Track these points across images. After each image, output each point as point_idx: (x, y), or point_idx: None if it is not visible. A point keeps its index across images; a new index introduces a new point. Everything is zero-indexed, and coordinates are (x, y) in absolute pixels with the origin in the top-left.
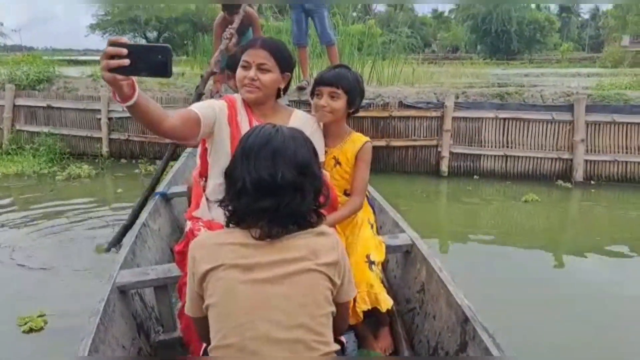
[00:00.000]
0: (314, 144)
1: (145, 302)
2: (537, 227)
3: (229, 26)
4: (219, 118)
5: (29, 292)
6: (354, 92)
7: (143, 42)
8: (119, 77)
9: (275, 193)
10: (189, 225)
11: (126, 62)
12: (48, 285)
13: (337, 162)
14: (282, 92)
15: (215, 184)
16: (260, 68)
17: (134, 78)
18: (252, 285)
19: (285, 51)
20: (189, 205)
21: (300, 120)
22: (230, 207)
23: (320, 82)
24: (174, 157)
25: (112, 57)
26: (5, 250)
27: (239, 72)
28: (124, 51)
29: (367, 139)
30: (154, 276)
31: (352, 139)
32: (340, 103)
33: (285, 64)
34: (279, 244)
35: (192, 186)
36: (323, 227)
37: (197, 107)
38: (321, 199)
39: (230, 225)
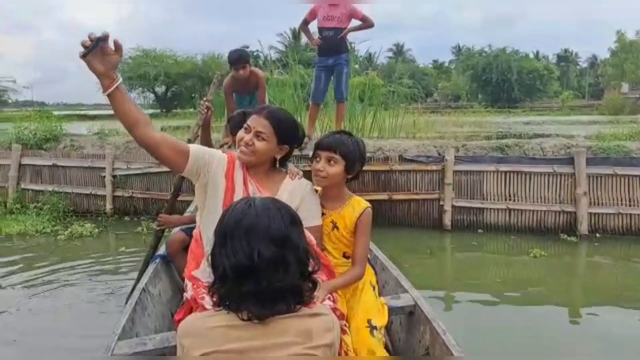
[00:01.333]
0: (305, 207)
1: None
2: (544, 283)
3: (204, 98)
4: (216, 168)
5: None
6: (352, 158)
7: (152, 96)
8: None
9: (256, 274)
10: (189, 287)
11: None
12: (45, 353)
13: (335, 226)
14: (277, 162)
15: (209, 238)
16: (258, 135)
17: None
18: None
19: (288, 125)
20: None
21: (291, 185)
22: (216, 293)
23: (319, 146)
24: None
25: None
26: (4, 315)
27: (240, 132)
28: (88, 42)
29: (367, 204)
30: (151, 347)
31: (351, 203)
32: (337, 168)
33: (284, 136)
34: (272, 325)
35: (174, 241)
36: (319, 307)
37: (196, 146)
38: (311, 265)
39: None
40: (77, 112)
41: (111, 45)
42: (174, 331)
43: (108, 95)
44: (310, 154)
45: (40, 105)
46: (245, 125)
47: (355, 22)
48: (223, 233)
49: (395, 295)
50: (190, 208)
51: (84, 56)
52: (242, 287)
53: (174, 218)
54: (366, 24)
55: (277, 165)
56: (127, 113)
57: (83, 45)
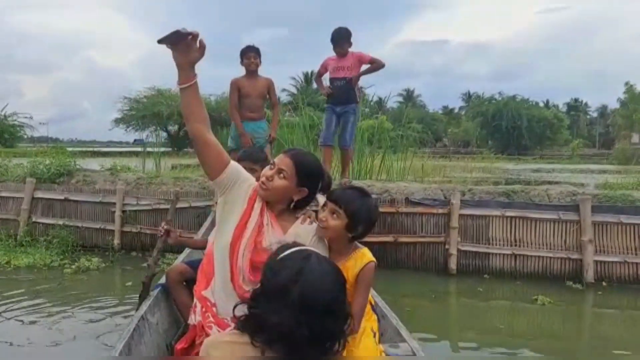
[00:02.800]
0: None
1: None
2: (550, 331)
3: (164, 219)
4: (245, 190)
5: None
6: (357, 217)
7: (164, 135)
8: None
9: (298, 341)
10: (197, 308)
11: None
12: None
13: None
14: (292, 204)
15: (219, 255)
16: (279, 172)
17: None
18: None
19: (310, 169)
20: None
21: (299, 229)
22: (262, 316)
23: (329, 195)
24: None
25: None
26: (4, 346)
27: (266, 168)
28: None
29: (371, 259)
30: None
31: (355, 256)
32: (337, 222)
33: (305, 179)
34: None
35: (173, 271)
36: None
37: (235, 163)
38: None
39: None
40: (91, 149)
41: (197, 45)
42: None
43: (182, 89)
44: None
45: (55, 142)
46: (271, 162)
47: (364, 67)
48: (278, 288)
49: (394, 344)
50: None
51: (160, 41)
52: (300, 324)
53: (181, 238)
54: (375, 65)
55: (294, 207)
56: (194, 109)
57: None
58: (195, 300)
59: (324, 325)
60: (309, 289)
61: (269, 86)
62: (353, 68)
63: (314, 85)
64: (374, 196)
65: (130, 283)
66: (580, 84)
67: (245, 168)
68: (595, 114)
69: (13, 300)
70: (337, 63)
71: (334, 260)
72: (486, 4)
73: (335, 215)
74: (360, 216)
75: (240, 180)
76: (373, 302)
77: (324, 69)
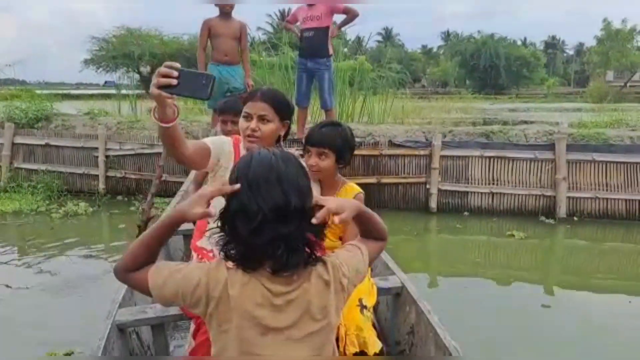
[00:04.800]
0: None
1: (142, 341)
2: (524, 263)
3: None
4: (225, 152)
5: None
6: (342, 150)
7: (137, 77)
8: (164, 94)
9: (289, 219)
10: (193, 258)
11: (173, 82)
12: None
13: None
14: (282, 139)
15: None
16: (261, 119)
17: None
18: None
19: (283, 101)
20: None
21: None
22: (242, 247)
23: (308, 141)
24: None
25: (164, 76)
26: (3, 288)
27: (241, 122)
28: (174, 73)
29: (359, 190)
30: (152, 315)
31: (345, 189)
32: (328, 162)
33: (285, 112)
34: (294, 302)
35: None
36: (326, 273)
37: (209, 141)
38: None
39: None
40: (60, 92)
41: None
42: None
43: (167, 128)
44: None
45: (22, 84)
46: (243, 113)
47: (338, 17)
48: (253, 178)
49: (384, 277)
50: (183, 187)
51: (160, 87)
52: (279, 230)
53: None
54: (350, 15)
55: (282, 141)
56: (176, 141)
57: (167, 75)
58: (192, 254)
59: (304, 204)
60: (284, 169)
61: (242, 30)
62: (323, 18)
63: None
64: (357, 140)
65: (123, 225)
66: (559, 22)
67: (226, 121)
68: (572, 52)
69: (4, 244)
70: (306, 12)
71: (326, 195)
72: None
73: (323, 157)
74: (345, 146)
75: (222, 149)
76: None
77: (293, 18)
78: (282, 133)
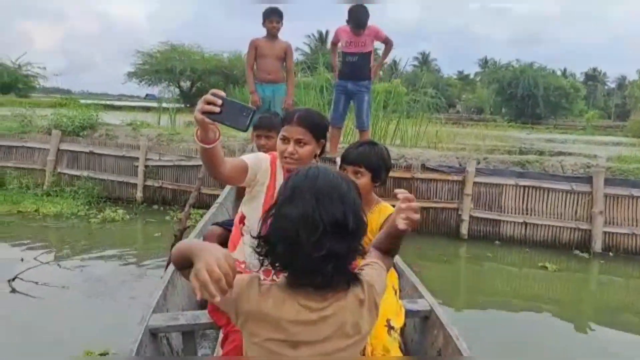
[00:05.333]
0: None
1: (172, 346)
2: (555, 297)
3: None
4: (262, 169)
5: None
6: (378, 169)
7: (177, 91)
8: (207, 120)
9: (344, 237)
10: None
11: (216, 109)
12: (79, 323)
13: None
14: (317, 156)
15: (250, 226)
16: (299, 142)
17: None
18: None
19: (319, 122)
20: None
21: None
22: (298, 259)
23: (345, 159)
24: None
25: (209, 103)
26: (41, 287)
27: (279, 144)
28: (218, 101)
29: (393, 210)
30: (183, 321)
31: (378, 208)
32: (363, 180)
33: (320, 133)
34: (330, 318)
35: (212, 234)
36: (361, 292)
37: (247, 158)
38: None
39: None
40: (103, 102)
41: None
42: (204, 310)
43: (208, 149)
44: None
45: (67, 93)
46: (280, 135)
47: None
48: (319, 192)
49: (413, 300)
50: (219, 200)
51: (203, 113)
52: (334, 246)
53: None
54: (389, 45)
55: (317, 159)
56: (217, 160)
57: (212, 102)
58: None
59: (359, 226)
60: (346, 190)
61: (287, 50)
62: (367, 44)
63: (329, 44)
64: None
65: (158, 234)
66: (600, 54)
67: (260, 136)
68: (613, 85)
69: (45, 245)
70: (350, 37)
71: None
72: None
73: (359, 175)
74: (380, 165)
75: (260, 167)
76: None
77: (336, 38)
78: (318, 152)
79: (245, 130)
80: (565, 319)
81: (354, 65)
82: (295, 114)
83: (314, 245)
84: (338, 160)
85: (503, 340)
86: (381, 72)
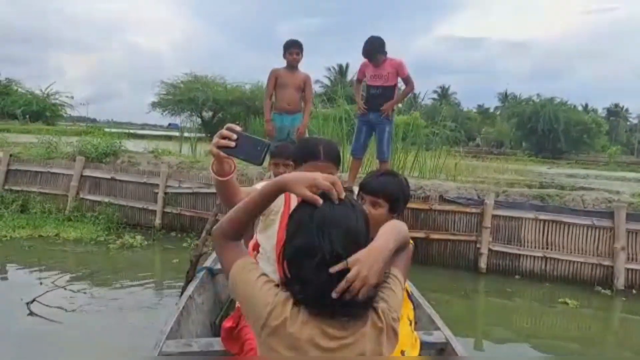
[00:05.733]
0: None
1: None
2: (576, 334)
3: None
4: (277, 200)
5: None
6: (396, 200)
7: (199, 120)
8: (222, 154)
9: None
10: None
11: (232, 144)
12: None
13: None
14: None
15: (265, 250)
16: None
17: (236, 162)
18: None
19: (338, 153)
20: None
21: None
22: (308, 285)
23: (363, 188)
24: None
25: (224, 138)
26: (56, 311)
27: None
28: (234, 136)
29: (410, 240)
30: (196, 349)
31: None
32: (381, 211)
33: (339, 163)
34: (351, 342)
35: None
36: (379, 321)
37: (260, 187)
38: None
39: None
40: (127, 131)
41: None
42: (217, 338)
43: (223, 181)
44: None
45: (93, 122)
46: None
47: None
48: (325, 222)
49: (428, 332)
50: None
51: (219, 147)
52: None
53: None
54: (409, 87)
55: None
56: (232, 192)
57: (227, 137)
58: None
59: (341, 247)
60: (356, 225)
61: (306, 81)
62: (390, 78)
63: (349, 77)
64: None
65: (176, 260)
66: (622, 89)
67: (277, 164)
68: (636, 121)
69: (64, 270)
70: (373, 71)
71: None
72: (528, 1)
73: (376, 206)
74: (399, 196)
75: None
76: (409, 291)
77: (362, 74)
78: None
79: (260, 164)
80: (587, 358)
81: (378, 97)
82: (320, 149)
83: (314, 273)
84: (355, 189)
85: None
86: (400, 105)
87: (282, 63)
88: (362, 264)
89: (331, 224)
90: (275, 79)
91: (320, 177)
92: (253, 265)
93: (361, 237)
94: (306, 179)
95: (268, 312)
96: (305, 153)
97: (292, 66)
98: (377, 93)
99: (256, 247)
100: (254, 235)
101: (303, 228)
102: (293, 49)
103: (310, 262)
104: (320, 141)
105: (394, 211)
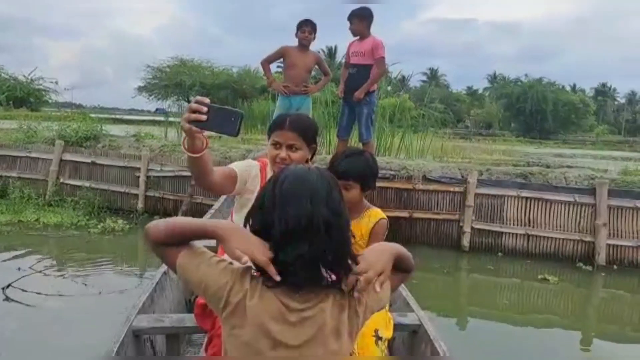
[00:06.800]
0: None
1: (156, 349)
2: (557, 310)
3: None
4: (252, 176)
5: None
6: (366, 179)
7: (186, 105)
8: (194, 128)
9: (313, 238)
10: None
11: (203, 117)
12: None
13: (352, 236)
14: (309, 161)
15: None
16: (291, 148)
17: (208, 135)
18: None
19: (310, 127)
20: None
21: None
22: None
23: (332, 173)
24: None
25: (194, 112)
26: (36, 296)
27: (271, 150)
28: (204, 109)
29: (383, 215)
30: (168, 324)
31: (368, 214)
32: (353, 192)
33: (311, 138)
34: (309, 320)
35: None
36: (340, 298)
37: (236, 166)
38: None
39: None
40: (113, 116)
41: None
42: (190, 314)
43: (196, 158)
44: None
45: (78, 107)
46: (272, 141)
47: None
48: (285, 193)
49: (402, 313)
50: (215, 206)
51: (190, 122)
52: (298, 250)
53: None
54: (377, 70)
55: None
56: (206, 169)
57: (197, 110)
58: None
59: (334, 222)
60: (317, 184)
61: (317, 60)
62: (367, 54)
63: (337, 58)
64: (391, 172)
65: None
66: (610, 69)
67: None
68: (623, 100)
69: (43, 255)
70: (356, 47)
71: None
72: None
73: (347, 188)
74: (368, 175)
75: (249, 174)
76: None
77: (348, 56)
78: (310, 156)
79: (236, 135)
80: (567, 333)
81: (354, 78)
82: (287, 119)
83: (278, 249)
84: None
85: (503, 354)
86: (389, 87)
87: (267, 50)
88: (369, 260)
89: (290, 196)
90: (282, 55)
91: (259, 255)
92: (199, 248)
93: (334, 205)
94: (246, 247)
95: (228, 290)
96: (274, 123)
97: (303, 45)
98: (353, 72)
99: None
100: (230, 215)
101: (265, 202)
102: (305, 27)
103: (271, 238)
104: (291, 114)
105: (365, 189)
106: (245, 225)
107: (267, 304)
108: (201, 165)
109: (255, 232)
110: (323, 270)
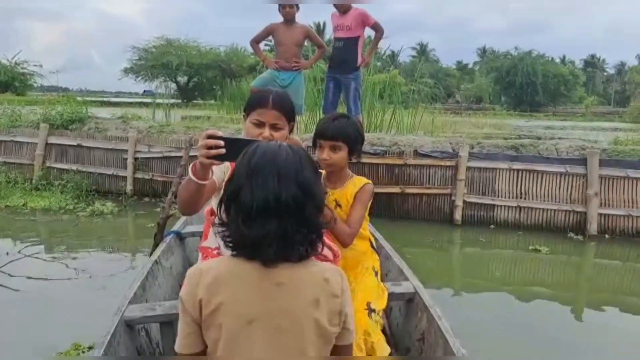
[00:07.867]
0: None
1: (151, 338)
2: (550, 280)
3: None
4: (227, 166)
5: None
6: (354, 142)
7: (174, 86)
8: (215, 162)
9: (280, 214)
10: (199, 259)
11: (223, 151)
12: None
13: (338, 205)
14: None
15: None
16: (274, 127)
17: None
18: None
19: (291, 106)
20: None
21: None
22: (237, 234)
23: (320, 135)
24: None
25: (210, 148)
26: (25, 280)
27: (251, 128)
28: (221, 143)
29: (368, 181)
30: (160, 312)
31: (353, 182)
32: (341, 154)
33: (291, 116)
34: (283, 272)
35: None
36: (329, 273)
37: (215, 174)
38: (324, 218)
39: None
40: (101, 99)
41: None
42: None
43: (196, 182)
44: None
45: (64, 91)
46: (254, 120)
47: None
48: (253, 169)
49: (397, 283)
50: None
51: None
52: (265, 227)
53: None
54: (379, 33)
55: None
56: (204, 198)
57: (215, 145)
58: (198, 254)
59: (303, 200)
60: (286, 162)
61: (307, 33)
62: (354, 28)
63: (326, 35)
64: (382, 148)
65: (151, 225)
66: (599, 40)
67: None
68: (612, 71)
69: (31, 239)
70: (337, 21)
71: (335, 188)
72: None
73: (337, 150)
74: (357, 138)
75: (226, 166)
76: (373, 240)
77: (333, 28)
78: (290, 133)
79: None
80: (559, 302)
81: (340, 52)
82: (270, 97)
83: (246, 223)
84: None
85: (495, 324)
86: (379, 63)
87: (255, 27)
88: None
89: (258, 172)
90: (268, 33)
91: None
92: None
93: (303, 181)
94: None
95: (199, 310)
96: (255, 100)
97: (288, 20)
98: (339, 46)
99: (212, 212)
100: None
101: (236, 177)
102: (283, 4)
103: (240, 211)
104: (272, 91)
105: (353, 153)
106: (220, 200)
107: (242, 276)
108: (201, 192)
109: (226, 202)
110: (296, 247)
